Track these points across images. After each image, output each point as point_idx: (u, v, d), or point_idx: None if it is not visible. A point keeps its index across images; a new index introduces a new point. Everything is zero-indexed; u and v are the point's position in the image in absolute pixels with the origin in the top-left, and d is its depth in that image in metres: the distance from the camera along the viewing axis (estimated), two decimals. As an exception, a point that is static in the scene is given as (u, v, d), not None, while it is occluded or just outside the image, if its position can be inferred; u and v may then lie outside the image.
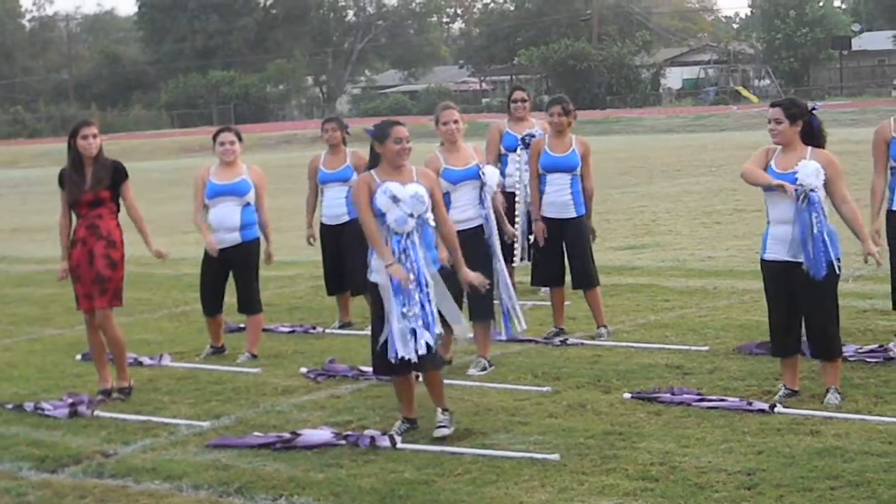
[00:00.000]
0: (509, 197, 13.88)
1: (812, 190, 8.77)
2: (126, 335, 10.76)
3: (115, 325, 10.35)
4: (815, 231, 8.75)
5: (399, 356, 8.34)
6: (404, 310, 8.32)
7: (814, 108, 9.06)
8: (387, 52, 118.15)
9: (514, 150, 14.16)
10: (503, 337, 11.02)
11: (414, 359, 8.36)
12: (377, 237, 8.40)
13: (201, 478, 7.90)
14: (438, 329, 8.47)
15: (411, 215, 8.39)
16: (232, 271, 11.73)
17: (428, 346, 8.37)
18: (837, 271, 8.84)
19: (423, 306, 8.37)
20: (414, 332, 8.34)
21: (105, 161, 10.17)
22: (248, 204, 11.55)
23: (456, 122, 10.55)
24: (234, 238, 11.53)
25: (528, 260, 14.28)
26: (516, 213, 14.17)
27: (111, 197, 10.17)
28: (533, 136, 14.07)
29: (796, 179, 8.81)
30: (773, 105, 9.12)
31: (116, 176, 10.17)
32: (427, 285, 8.41)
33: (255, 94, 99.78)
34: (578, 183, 11.81)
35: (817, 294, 8.85)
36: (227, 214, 11.52)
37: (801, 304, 8.96)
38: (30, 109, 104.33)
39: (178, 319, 14.28)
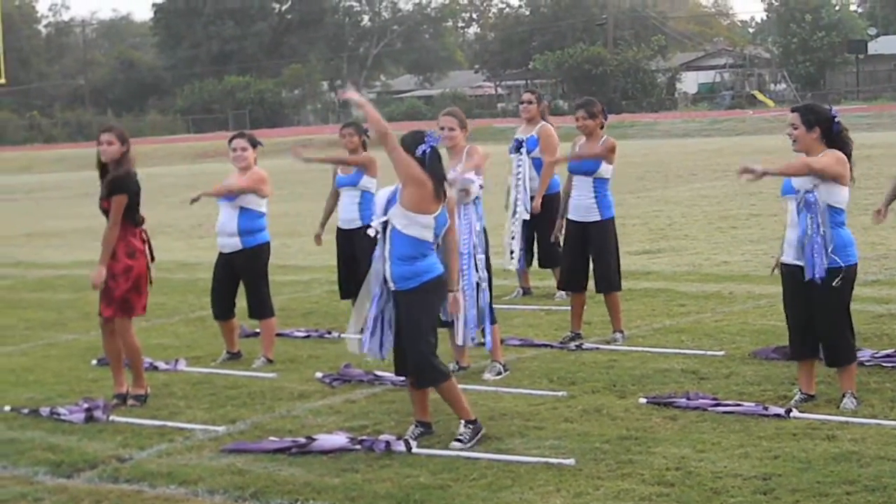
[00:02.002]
0: None
1: (808, 191, 8.73)
2: (142, 340, 10.76)
3: (133, 334, 10.34)
4: (811, 233, 8.71)
5: (364, 350, 8.63)
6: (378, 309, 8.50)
7: (834, 115, 8.99)
8: (402, 56, 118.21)
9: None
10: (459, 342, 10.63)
11: (378, 357, 8.60)
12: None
13: (217, 483, 7.91)
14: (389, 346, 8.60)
15: (374, 214, 8.56)
16: (240, 277, 11.72)
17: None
18: (842, 275, 8.75)
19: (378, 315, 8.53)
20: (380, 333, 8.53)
21: (113, 172, 10.09)
22: (247, 209, 11.50)
23: (452, 129, 10.51)
24: (235, 244, 11.52)
25: (521, 265, 14.37)
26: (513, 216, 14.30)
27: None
28: (520, 141, 14.23)
29: (791, 182, 8.81)
30: (792, 110, 9.09)
31: (110, 188, 10.08)
32: (379, 295, 8.49)
33: (270, 100, 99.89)
34: (604, 187, 11.75)
35: (823, 299, 8.80)
36: (225, 220, 11.55)
37: (812, 308, 8.93)
38: (46, 115, 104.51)
39: (193, 324, 14.30)
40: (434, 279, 8.48)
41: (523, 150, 14.21)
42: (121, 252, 10.09)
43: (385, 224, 8.41)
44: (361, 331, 8.69)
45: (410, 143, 8.48)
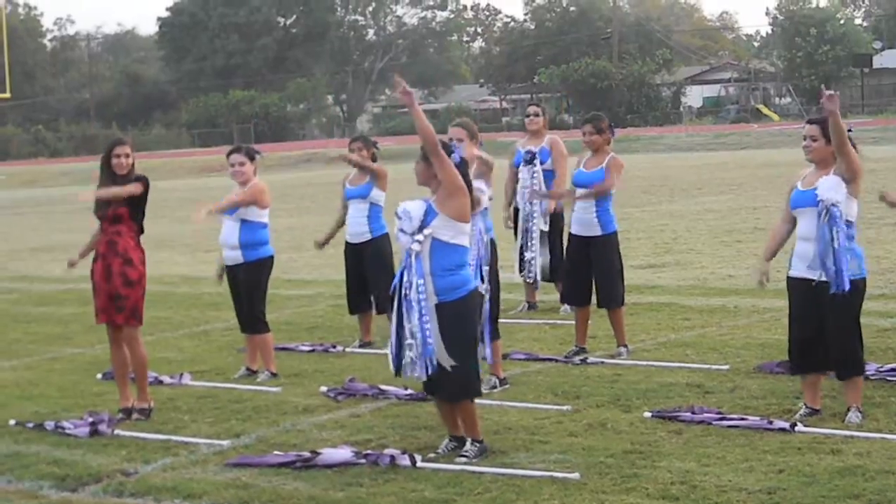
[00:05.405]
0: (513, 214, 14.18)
1: (833, 204, 8.74)
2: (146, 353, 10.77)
3: (142, 344, 10.38)
4: (836, 246, 8.73)
5: (395, 373, 8.47)
6: (408, 327, 8.31)
7: (849, 130, 9.00)
8: (407, 70, 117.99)
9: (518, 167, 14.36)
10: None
11: (421, 377, 8.39)
12: None
13: (221, 496, 7.91)
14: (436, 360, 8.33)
15: (402, 230, 8.38)
16: (239, 290, 11.68)
17: (433, 372, 8.36)
18: (851, 288, 8.77)
19: (415, 334, 8.31)
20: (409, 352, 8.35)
21: (130, 179, 10.16)
22: (248, 221, 11.47)
23: (460, 140, 10.53)
24: (236, 256, 11.50)
25: (536, 278, 14.34)
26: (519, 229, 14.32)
27: (130, 215, 10.16)
28: (532, 153, 14.18)
29: (816, 195, 8.80)
30: (809, 122, 9.09)
31: (134, 178, 10.16)
32: (419, 314, 8.29)
33: (275, 114, 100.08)
34: (606, 202, 11.72)
35: (839, 312, 8.83)
36: (228, 232, 11.51)
37: (823, 322, 8.93)
38: (51, 129, 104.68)
39: (198, 338, 14.28)
40: (474, 290, 8.51)
41: (536, 161, 14.18)
42: (136, 259, 10.18)
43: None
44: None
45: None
